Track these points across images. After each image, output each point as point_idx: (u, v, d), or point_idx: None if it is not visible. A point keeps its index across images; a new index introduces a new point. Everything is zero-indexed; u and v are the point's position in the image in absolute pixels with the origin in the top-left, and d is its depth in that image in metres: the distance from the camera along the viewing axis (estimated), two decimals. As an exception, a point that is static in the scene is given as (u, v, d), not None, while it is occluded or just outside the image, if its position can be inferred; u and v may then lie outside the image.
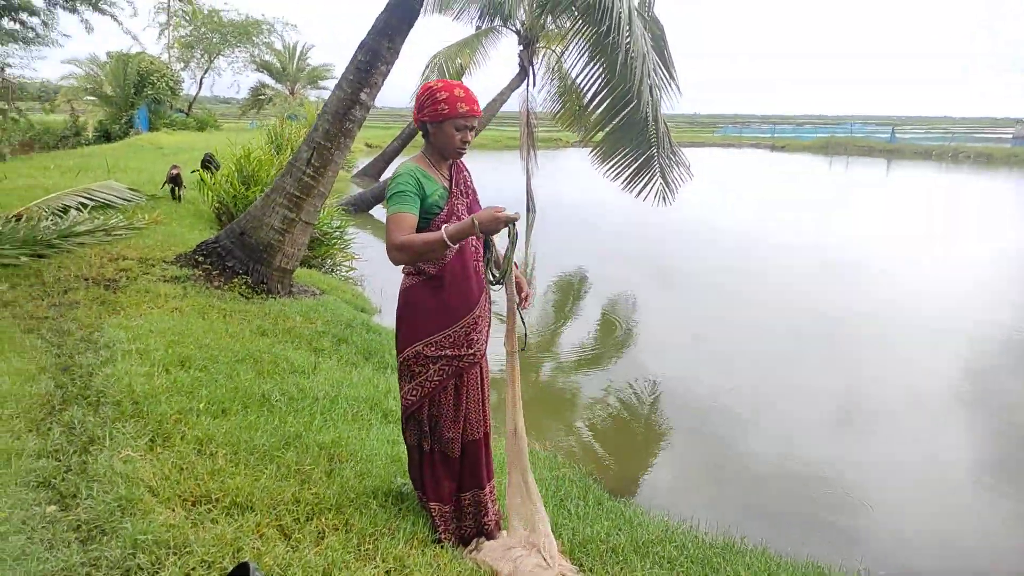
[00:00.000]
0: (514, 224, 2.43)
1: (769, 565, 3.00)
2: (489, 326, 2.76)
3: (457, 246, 2.43)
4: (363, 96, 6.06)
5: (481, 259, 2.65)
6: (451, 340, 2.60)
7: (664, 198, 7.63)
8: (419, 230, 2.48)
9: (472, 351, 2.64)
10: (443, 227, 2.38)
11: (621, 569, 2.83)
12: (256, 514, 2.68)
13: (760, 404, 6.15)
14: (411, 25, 6.24)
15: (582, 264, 12.30)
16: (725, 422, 5.75)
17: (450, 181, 2.61)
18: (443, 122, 2.49)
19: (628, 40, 6.56)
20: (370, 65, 6.04)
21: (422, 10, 13.49)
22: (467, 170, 2.74)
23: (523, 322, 2.66)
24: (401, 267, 2.61)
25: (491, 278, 2.62)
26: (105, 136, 26.32)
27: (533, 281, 11.67)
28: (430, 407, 2.66)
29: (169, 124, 28.97)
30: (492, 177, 23.98)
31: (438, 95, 2.47)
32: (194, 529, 2.54)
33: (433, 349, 2.59)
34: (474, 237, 2.51)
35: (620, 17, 6.43)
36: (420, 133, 2.62)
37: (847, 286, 10.45)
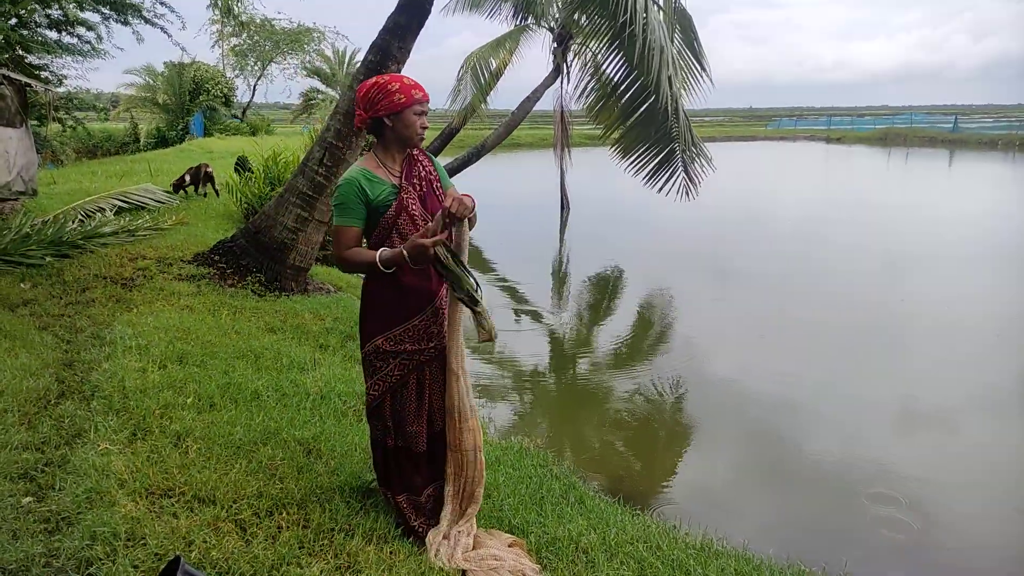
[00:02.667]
0: (448, 246, 2.37)
1: (744, 567, 2.86)
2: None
3: (392, 269, 2.43)
4: (374, 95, 6.08)
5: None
6: (411, 334, 2.58)
7: (687, 192, 7.45)
8: (371, 229, 2.52)
9: (433, 344, 2.61)
10: (378, 252, 2.41)
11: (584, 569, 2.74)
12: (216, 507, 2.69)
13: (814, 410, 5.85)
14: (421, 24, 6.23)
15: (619, 261, 12.13)
16: (756, 427, 5.52)
17: (400, 175, 2.57)
18: (401, 112, 2.47)
19: (646, 31, 6.43)
20: (380, 65, 6.06)
21: (452, 8, 13.52)
22: (425, 157, 2.69)
23: (477, 289, 2.47)
24: None
25: (465, 301, 2.48)
26: (162, 142, 27.29)
27: (568, 279, 11.59)
28: (392, 402, 2.64)
29: (223, 129, 29.87)
30: (528, 175, 24.02)
31: (390, 86, 2.46)
32: (152, 521, 2.57)
33: (392, 344, 2.57)
34: (420, 225, 2.51)
35: (636, 8, 6.30)
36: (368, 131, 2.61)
37: (905, 283, 9.94)
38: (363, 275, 2.65)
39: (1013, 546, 4.08)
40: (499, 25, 14.33)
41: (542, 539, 2.91)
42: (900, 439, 5.39)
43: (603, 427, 5.54)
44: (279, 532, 2.63)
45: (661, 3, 7.23)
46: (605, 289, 10.62)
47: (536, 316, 8.96)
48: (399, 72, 6.17)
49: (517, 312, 9.03)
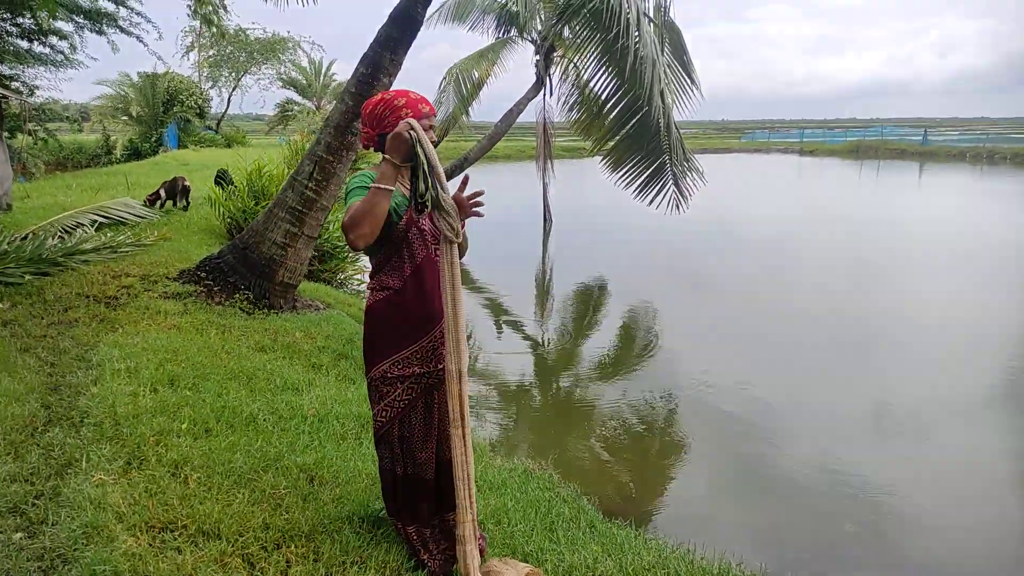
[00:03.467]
0: (415, 133, 2.29)
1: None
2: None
3: (394, 183, 2.32)
4: (365, 109, 5.99)
5: (439, 258, 2.48)
6: (419, 356, 2.50)
7: (678, 205, 7.45)
8: (380, 239, 2.39)
9: (441, 366, 2.52)
10: (374, 183, 2.30)
11: (606, 600, 2.66)
12: (222, 542, 2.57)
13: (787, 419, 5.97)
14: (413, 37, 6.17)
15: (602, 273, 12.14)
16: (743, 437, 5.60)
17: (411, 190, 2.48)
18: None
19: (637, 44, 6.42)
20: (372, 77, 5.98)
21: (436, 20, 13.47)
22: None
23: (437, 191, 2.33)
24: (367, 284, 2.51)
25: (416, 207, 2.39)
26: (135, 154, 26.86)
27: (551, 291, 11.55)
28: (400, 428, 2.54)
29: (198, 141, 29.50)
30: (509, 187, 23.98)
31: (396, 102, 2.41)
32: (155, 558, 2.45)
33: (400, 368, 2.49)
34: (430, 240, 2.46)
35: (628, 21, 6.30)
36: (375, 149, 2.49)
37: (879, 292, 10.16)
38: (372, 289, 2.53)
39: (992, 551, 4.12)
40: (479, 37, 14.34)
41: (559, 567, 2.82)
42: (882, 446, 5.48)
43: (597, 444, 5.50)
44: (288, 567, 2.52)
45: (651, 15, 7.25)
46: (589, 302, 10.61)
47: (520, 329, 8.92)
48: (391, 84, 6.09)
49: (500, 325, 8.98)
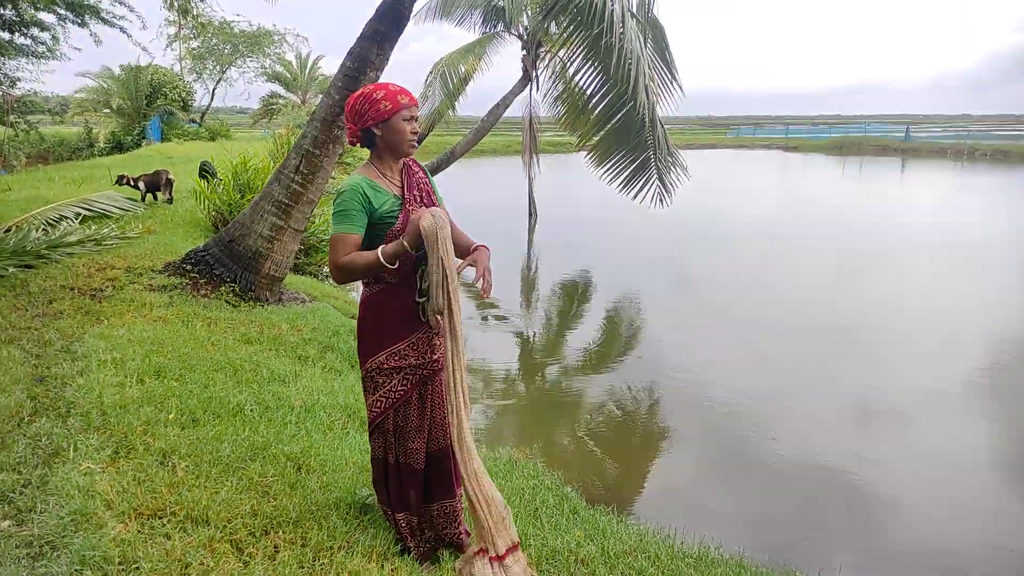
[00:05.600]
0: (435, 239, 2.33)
1: (742, 575, 2.89)
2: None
3: (396, 264, 2.36)
4: (351, 102, 6.01)
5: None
6: (415, 347, 2.52)
7: (661, 200, 7.51)
8: (374, 243, 2.42)
9: (435, 357, 2.56)
10: (379, 249, 2.35)
11: (587, 582, 2.73)
12: (210, 528, 2.61)
13: (769, 411, 6.06)
14: (400, 31, 6.18)
15: (587, 266, 12.22)
16: (731, 429, 5.69)
17: (402, 187, 2.52)
18: (389, 119, 2.42)
19: (622, 41, 6.47)
20: (359, 71, 5.99)
21: (424, 16, 13.48)
22: (421, 168, 2.65)
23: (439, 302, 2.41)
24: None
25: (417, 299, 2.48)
26: (117, 147, 26.59)
27: (537, 285, 11.61)
28: (395, 418, 2.58)
29: (181, 134, 29.24)
30: (494, 182, 24.01)
31: (376, 95, 2.41)
32: (144, 544, 2.48)
33: (396, 360, 2.51)
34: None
35: (613, 17, 6.34)
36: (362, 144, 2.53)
37: (862, 287, 10.30)
38: (366, 283, 2.57)
39: (970, 536, 4.23)
40: (467, 31, 14.34)
41: (542, 551, 2.89)
42: (863, 434, 5.63)
43: (581, 434, 5.57)
44: (276, 552, 2.56)
45: (634, 10, 7.30)
46: (574, 295, 10.69)
47: (506, 321, 8.97)
48: (378, 79, 6.11)
49: (485, 319, 9.03)
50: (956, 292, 9.89)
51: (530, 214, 16.06)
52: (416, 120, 2.49)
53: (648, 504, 4.50)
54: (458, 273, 2.42)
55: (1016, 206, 20.15)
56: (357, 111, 2.43)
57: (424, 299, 2.44)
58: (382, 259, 2.33)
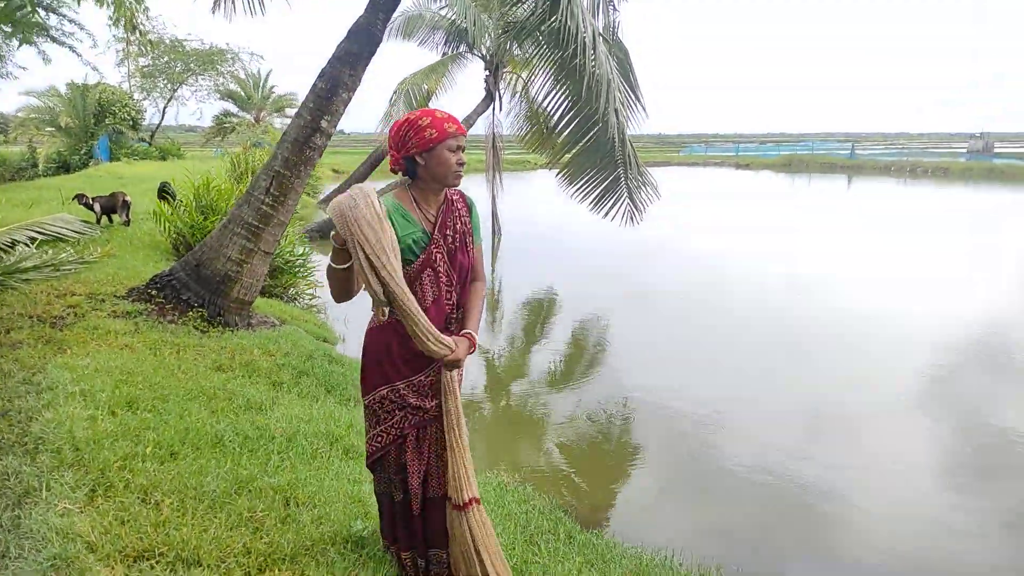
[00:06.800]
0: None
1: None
2: (458, 378, 2.53)
3: (344, 264, 2.24)
4: (324, 124, 5.93)
5: (454, 309, 2.44)
6: (415, 389, 2.42)
7: (632, 218, 7.60)
8: None
9: (436, 403, 2.45)
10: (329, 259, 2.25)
11: (594, 611, 2.69)
12: (203, 569, 2.49)
13: (732, 421, 6.17)
14: (372, 53, 6.14)
15: (550, 284, 12.25)
16: (698, 441, 5.76)
17: (435, 224, 2.37)
18: (434, 148, 2.26)
19: (593, 64, 6.54)
20: (331, 93, 5.93)
21: (385, 36, 13.51)
22: (463, 204, 2.49)
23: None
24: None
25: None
26: (64, 167, 25.76)
27: (500, 304, 11.59)
28: (399, 453, 2.46)
29: (131, 154, 28.49)
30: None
31: (421, 122, 2.26)
32: (134, 589, 2.35)
33: (397, 395, 2.41)
34: (443, 282, 2.39)
35: (585, 41, 6.41)
36: (394, 169, 2.38)
37: (813, 300, 10.61)
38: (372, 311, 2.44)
39: (918, 541, 4.37)
40: (429, 53, 14.39)
41: (544, 580, 2.84)
42: (816, 443, 5.80)
43: (556, 452, 5.54)
44: (275, 592, 2.46)
45: (600, 30, 7.39)
46: (540, 312, 10.70)
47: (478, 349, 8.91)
48: (350, 99, 6.05)
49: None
50: (901, 305, 10.24)
51: (493, 232, 16.07)
52: (463, 150, 2.34)
53: (628, 521, 4.45)
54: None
55: (957, 221, 20.96)
56: (401, 138, 2.29)
57: (388, 306, 2.25)
58: (330, 262, 2.24)
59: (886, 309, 9.92)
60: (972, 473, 5.30)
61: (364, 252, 2.12)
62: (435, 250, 2.35)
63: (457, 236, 2.42)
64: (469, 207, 2.51)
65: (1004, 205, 25.39)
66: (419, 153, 2.27)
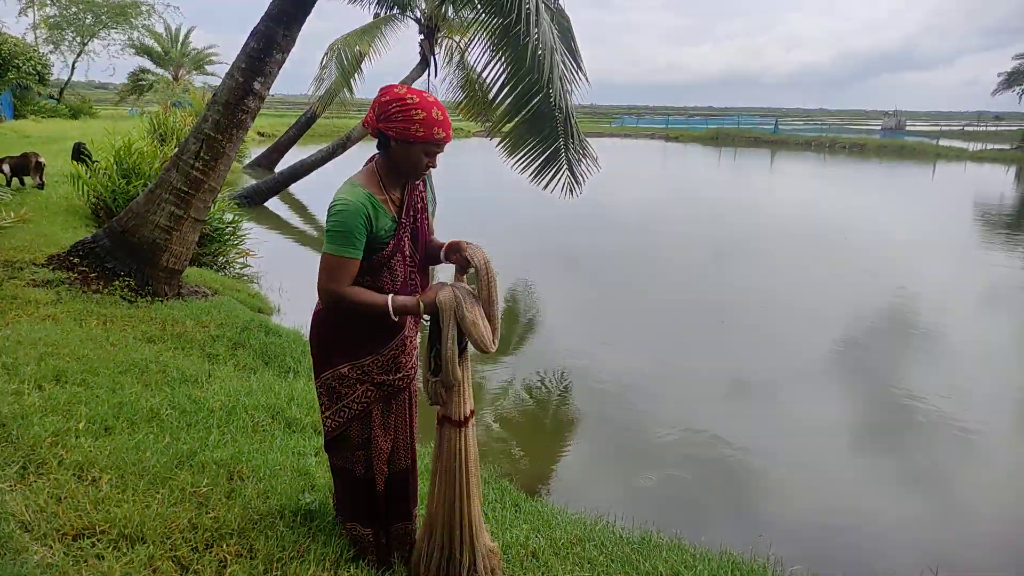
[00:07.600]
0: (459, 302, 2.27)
1: (685, 557, 3.02)
2: (418, 348, 2.53)
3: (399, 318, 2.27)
4: (256, 85, 5.71)
5: (415, 281, 2.42)
6: (379, 365, 2.37)
7: (571, 190, 7.64)
8: (361, 264, 2.23)
9: (400, 375, 2.42)
10: (390, 298, 2.22)
11: (543, 574, 2.77)
12: (148, 545, 2.43)
13: (662, 386, 6.45)
14: (307, 12, 5.93)
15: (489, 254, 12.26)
16: (631, 408, 5.95)
17: (400, 206, 2.32)
18: (413, 144, 2.16)
19: (536, 32, 6.48)
20: (264, 53, 5.70)
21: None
22: (424, 181, 2.45)
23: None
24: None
25: (431, 368, 2.36)
26: (-39, 124, 23.94)
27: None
28: (361, 429, 2.42)
29: (37, 111, 26.74)
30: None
31: (414, 113, 2.11)
32: (76, 568, 2.28)
33: (359, 372, 2.36)
34: (409, 264, 2.36)
35: (528, 10, 6.34)
36: (374, 140, 2.27)
37: (738, 269, 11.02)
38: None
39: (833, 500, 4.65)
40: (362, 10, 13.97)
41: (494, 547, 2.89)
42: (738, 407, 6.11)
43: (493, 422, 5.60)
44: (224, 567, 2.42)
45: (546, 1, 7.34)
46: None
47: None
48: (284, 61, 5.84)
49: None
50: (818, 277, 10.79)
51: (428, 201, 15.89)
52: (439, 154, 2.28)
53: (569, 487, 4.56)
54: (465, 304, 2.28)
55: (873, 197, 22.00)
56: (386, 110, 2.14)
57: (436, 378, 2.33)
58: (391, 310, 2.20)
59: (803, 280, 10.47)
60: (880, 431, 5.69)
61: (456, 342, 2.27)
62: (402, 234, 2.31)
63: (419, 215, 2.40)
64: (425, 181, 2.47)
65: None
66: (396, 139, 2.17)
